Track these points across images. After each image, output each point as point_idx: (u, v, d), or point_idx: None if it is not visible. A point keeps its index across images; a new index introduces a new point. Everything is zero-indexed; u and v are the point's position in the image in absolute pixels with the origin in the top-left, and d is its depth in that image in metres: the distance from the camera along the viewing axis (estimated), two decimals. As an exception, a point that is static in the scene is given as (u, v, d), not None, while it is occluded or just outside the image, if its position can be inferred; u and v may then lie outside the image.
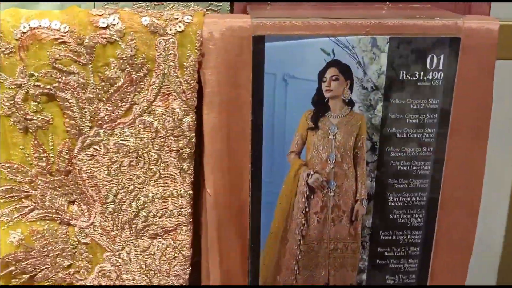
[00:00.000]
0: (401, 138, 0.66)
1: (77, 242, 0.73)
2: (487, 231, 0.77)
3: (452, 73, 0.63)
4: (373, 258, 0.70)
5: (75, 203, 0.71)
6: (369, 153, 0.66)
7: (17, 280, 0.71)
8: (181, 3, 0.70)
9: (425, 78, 0.63)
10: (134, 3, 0.69)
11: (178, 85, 0.64)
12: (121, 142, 0.66)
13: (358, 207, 0.68)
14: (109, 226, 0.71)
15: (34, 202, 0.67)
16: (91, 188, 0.70)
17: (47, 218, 0.71)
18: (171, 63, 0.62)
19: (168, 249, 0.72)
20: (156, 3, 0.70)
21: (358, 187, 0.67)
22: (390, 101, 0.64)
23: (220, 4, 0.71)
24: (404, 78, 0.63)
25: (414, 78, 0.63)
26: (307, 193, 0.67)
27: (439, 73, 0.63)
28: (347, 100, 0.64)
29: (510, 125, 0.94)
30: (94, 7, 0.68)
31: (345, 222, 0.69)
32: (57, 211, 0.71)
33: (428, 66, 0.63)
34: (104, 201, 0.70)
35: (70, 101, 0.65)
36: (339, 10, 0.69)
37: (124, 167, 0.66)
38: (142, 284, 0.73)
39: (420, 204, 0.69)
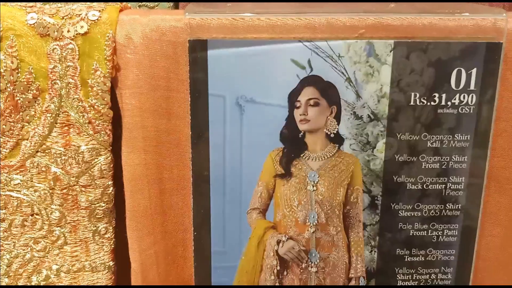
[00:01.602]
0: (414, 190, 0.54)
1: (-33, 326, 0.56)
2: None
3: (490, 96, 0.52)
4: None
5: (-40, 274, 0.58)
6: (367, 212, 0.55)
7: None
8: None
9: (448, 103, 0.52)
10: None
11: (81, 113, 0.50)
12: (8, 193, 0.53)
13: (354, 288, 0.57)
14: (5, 308, 0.58)
15: None
16: (-24, 255, 0.56)
17: None
18: (71, 80, 0.49)
19: None
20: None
21: (353, 260, 0.56)
22: (397, 137, 0.53)
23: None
24: (417, 103, 0.51)
25: (432, 103, 0.51)
26: (278, 268, 0.55)
27: (470, 96, 0.51)
28: (332, 135, 0.53)
29: None
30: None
31: (334, 310, 0.57)
32: None
33: (453, 85, 0.51)
34: (-5, 272, 0.56)
35: None
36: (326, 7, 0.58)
37: (15, 227, 0.54)
38: None
39: (443, 284, 0.57)
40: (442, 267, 0.56)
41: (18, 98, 0.49)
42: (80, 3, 0.51)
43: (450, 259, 0.55)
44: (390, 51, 0.50)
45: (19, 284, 0.55)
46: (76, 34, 0.48)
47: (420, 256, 0.55)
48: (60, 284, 0.55)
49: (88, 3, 0.51)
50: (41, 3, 0.51)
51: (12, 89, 0.49)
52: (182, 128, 0.51)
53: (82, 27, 0.47)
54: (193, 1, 0.58)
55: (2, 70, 0.48)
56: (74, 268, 0.55)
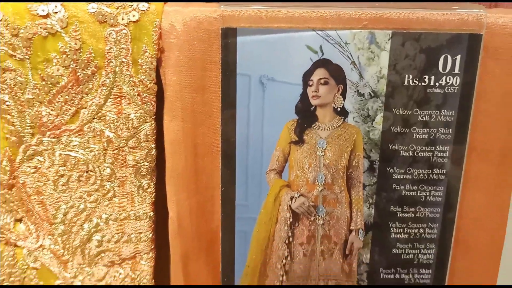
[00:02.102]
0: (406, 156, 0.57)
1: (26, 266, 0.64)
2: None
3: (471, 79, 0.54)
4: (372, 300, 0.61)
5: (22, 221, 0.62)
6: (366, 174, 0.58)
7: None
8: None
9: (436, 84, 0.54)
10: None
11: (132, 86, 0.55)
12: (67, 152, 0.58)
13: (353, 238, 0.59)
14: (59, 250, 0.62)
15: (-28, 220, 0.60)
16: (38, 205, 0.60)
17: (-10, 238, 0.63)
18: (124, 60, 0.54)
19: (126, 280, 0.63)
20: None
21: (353, 215, 0.59)
22: (393, 111, 0.56)
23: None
24: (410, 83, 0.54)
25: (422, 84, 0.54)
26: (291, 220, 0.59)
27: (455, 78, 0.54)
28: (339, 109, 0.56)
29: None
30: None
31: (337, 256, 0.60)
32: (2, 230, 0.62)
33: (440, 69, 0.54)
34: (52, 221, 0.61)
35: (7, 103, 0.56)
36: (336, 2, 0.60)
37: (72, 182, 0.59)
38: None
39: (429, 238, 0.60)
40: (429, 223, 0.58)
41: (79, 74, 0.54)
42: None
43: (436, 216, 0.58)
44: (388, 40, 0.53)
45: (73, 231, 0.61)
46: (129, 21, 0.53)
47: (411, 212, 0.58)
48: (108, 230, 0.60)
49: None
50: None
51: (74, 66, 0.54)
52: (214, 101, 0.55)
53: (134, 15, 0.52)
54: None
55: (67, 50, 0.53)
56: (120, 217, 0.59)
